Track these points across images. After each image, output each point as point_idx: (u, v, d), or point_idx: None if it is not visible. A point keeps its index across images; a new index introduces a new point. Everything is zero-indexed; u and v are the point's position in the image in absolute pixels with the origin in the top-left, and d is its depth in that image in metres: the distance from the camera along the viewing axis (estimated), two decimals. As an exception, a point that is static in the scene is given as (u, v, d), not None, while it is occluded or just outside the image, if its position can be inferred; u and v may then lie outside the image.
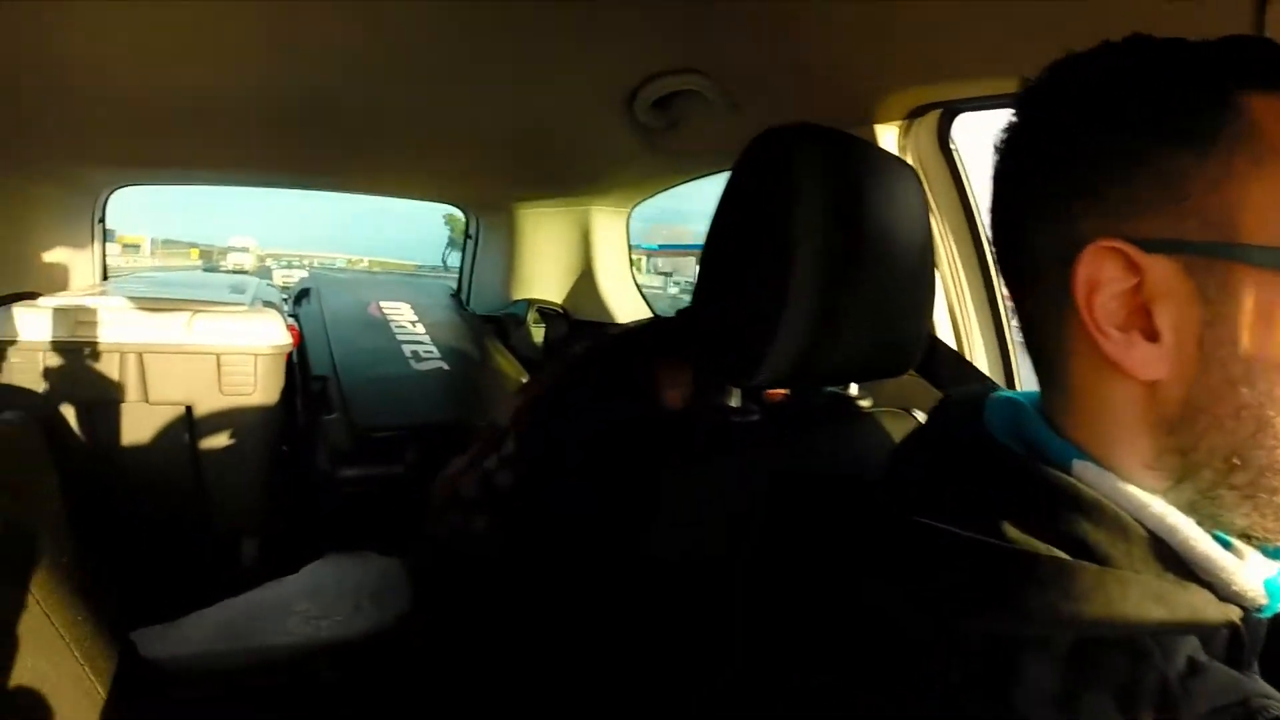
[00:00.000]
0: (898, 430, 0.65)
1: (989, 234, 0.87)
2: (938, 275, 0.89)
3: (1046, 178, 0.34)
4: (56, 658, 0.41)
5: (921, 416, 0.68)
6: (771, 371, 0.53)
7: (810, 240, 0.50)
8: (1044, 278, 0.34)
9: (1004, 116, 0.37)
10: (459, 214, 2.24)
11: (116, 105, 1.24)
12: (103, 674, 0.45)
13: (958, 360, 0.89)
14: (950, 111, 0.91)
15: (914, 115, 0.90)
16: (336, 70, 1.10)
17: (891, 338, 0.59)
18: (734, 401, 0.61)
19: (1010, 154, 0.36)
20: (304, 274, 3.21)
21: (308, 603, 1.19)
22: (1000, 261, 0.39)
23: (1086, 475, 0.33)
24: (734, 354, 0.55)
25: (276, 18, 0.93)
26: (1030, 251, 0.35)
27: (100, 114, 1.28)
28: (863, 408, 0.68)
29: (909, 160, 0.91)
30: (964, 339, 0.96)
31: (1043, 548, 0.31)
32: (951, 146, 0.94)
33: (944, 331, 0.98)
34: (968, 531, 0.32)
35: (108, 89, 1.16)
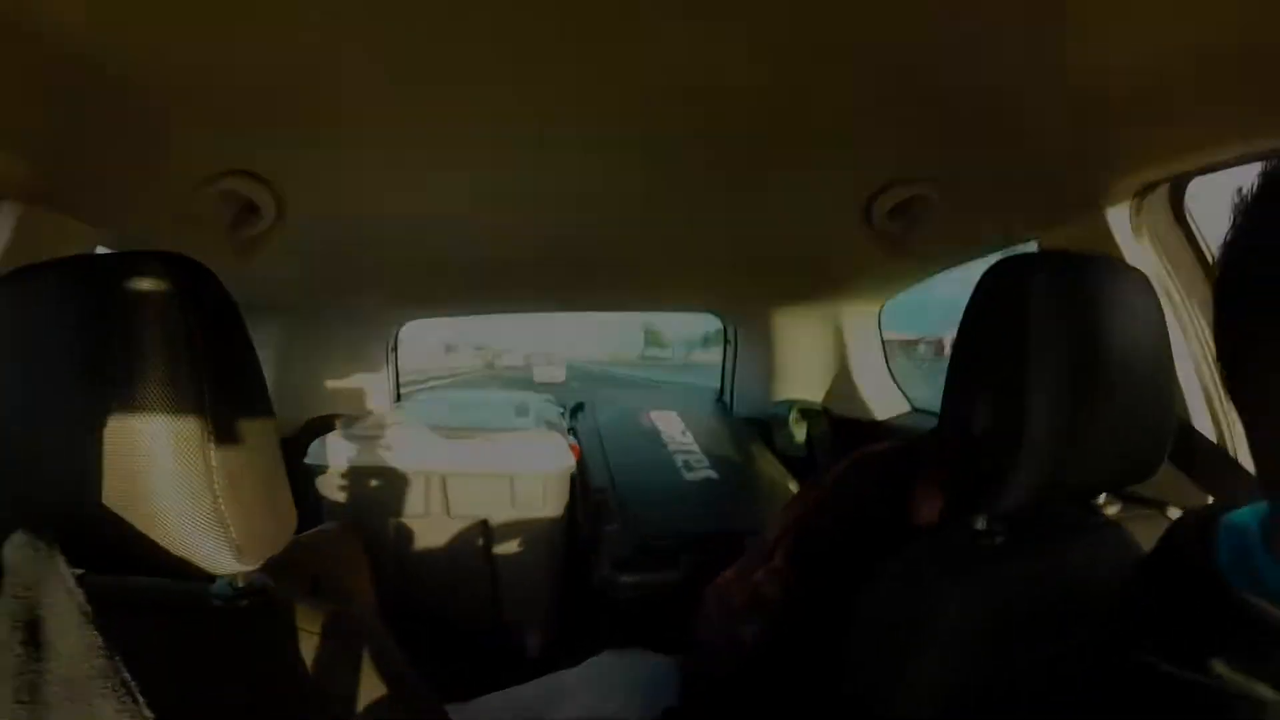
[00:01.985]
0: (1148, 536, 0.63)
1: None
2: (1190, 358, 0.90)
3: None
4: None
5: (1176, 515, 0.66)
6: (1015, 498, 0.55)
7: (1046, 364, 0.53)
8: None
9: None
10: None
11: (411, 257, 1.44)
12: None
13: (1213, 450, 0.85)
14: (1180, 181, 0.88)
15: (1144, 192, 0.89)
16: (597, 212, 1.20)
17: (1135, 446, 0.60)
18: (980, 525, 0.61)
19: (1238, 258, 0.32)
20: (561, 369, 3.59)
21: (585, 693, 1.27)
22: (1227, 377, 0.34)
23: None
24: (978, 478, 0.57)
25: (544, 175, 1.02)
26: (1263, 366, 0.31)
27: (398, 267, 1.50)
28: (1109, 516, 0.68)
29: (1144, 237, 0.92)
30: (1224, 426, 0.89)
31: (1261, 689, 0.30)
32: (1187, 216, 0.91)
33: (1200, 419, 0.90)
34: (1185, 671, 0.32)
35: (403, 245, 1.35)
